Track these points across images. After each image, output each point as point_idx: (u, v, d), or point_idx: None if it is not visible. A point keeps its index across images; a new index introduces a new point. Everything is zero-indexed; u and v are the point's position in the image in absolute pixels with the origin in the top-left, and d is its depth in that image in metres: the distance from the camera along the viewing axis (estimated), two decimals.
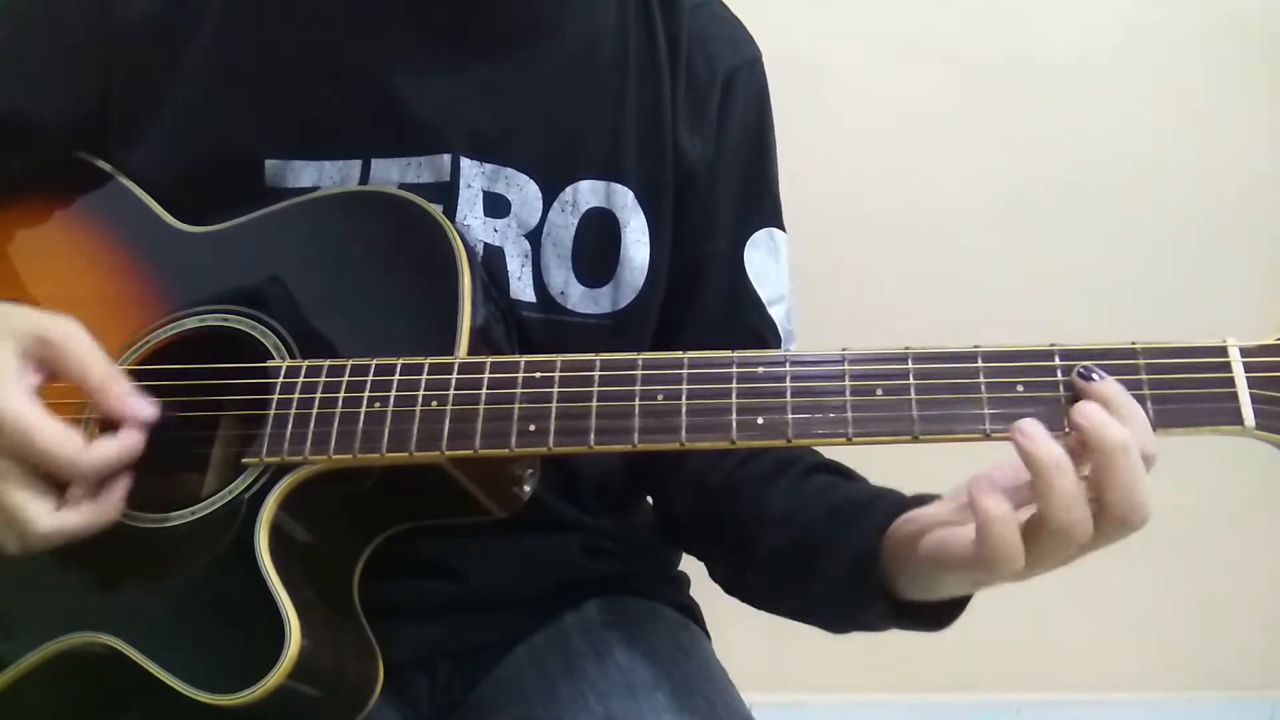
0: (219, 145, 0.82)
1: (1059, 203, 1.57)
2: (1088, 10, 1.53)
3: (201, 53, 0.82)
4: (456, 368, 0.69)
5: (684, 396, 0.66)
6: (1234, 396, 0.61)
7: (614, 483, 0.91)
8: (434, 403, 0.68)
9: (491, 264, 0.83)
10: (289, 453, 0.69)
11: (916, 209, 1.55)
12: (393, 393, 0.69)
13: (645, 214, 0.86)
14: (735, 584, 0.85)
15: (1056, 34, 1.52)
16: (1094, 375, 0.62)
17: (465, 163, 0.82)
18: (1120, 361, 0.62)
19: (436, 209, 0.78)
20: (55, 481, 0.67)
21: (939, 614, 0.70)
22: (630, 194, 0.85)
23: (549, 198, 0.84)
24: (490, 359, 0.70)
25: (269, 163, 0.82)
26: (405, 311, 0.77)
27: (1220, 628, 1.74)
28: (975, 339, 0.65)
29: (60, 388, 0.69)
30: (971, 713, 1.74)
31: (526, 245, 0.84)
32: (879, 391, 0.64)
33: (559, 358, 0.69)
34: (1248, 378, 0.61)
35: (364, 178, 0.82)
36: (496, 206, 0.83)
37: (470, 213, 0.82)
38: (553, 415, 0.67)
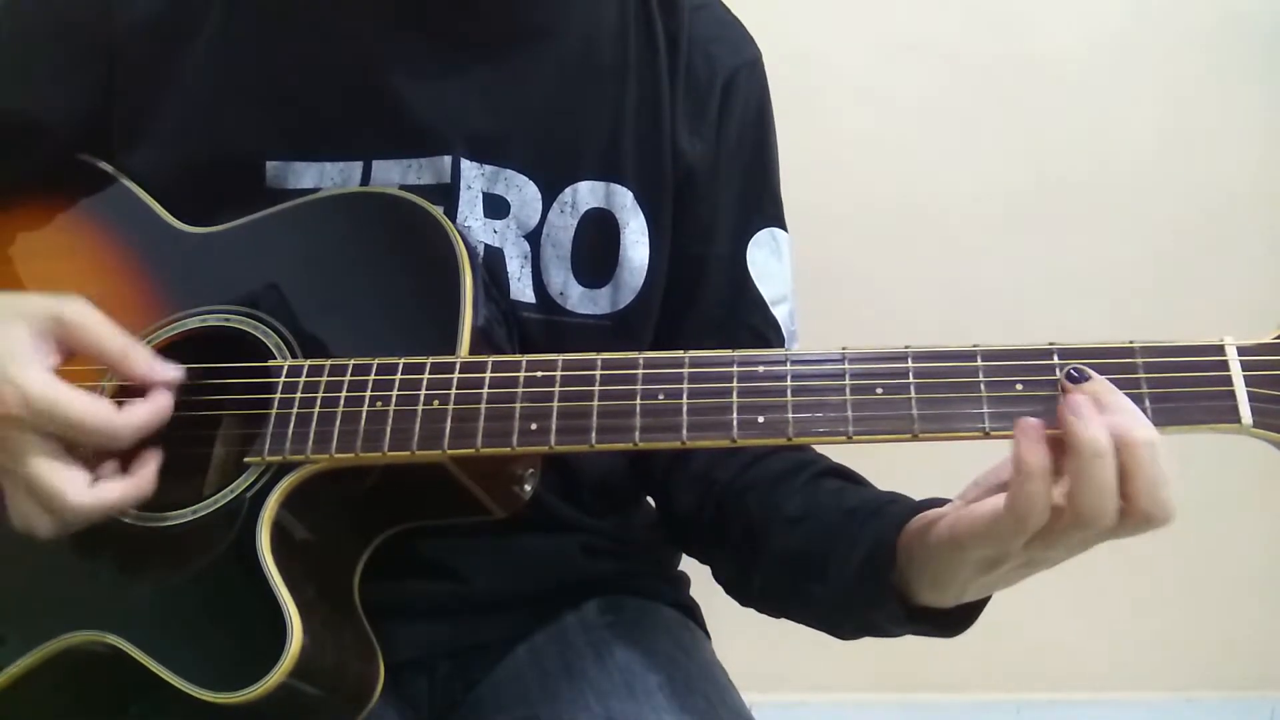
0: (220, 146, 0.82)
1: (1058, 202, 1.57)
2: (1087, 10, 1.53)
3: (203, 54, 0.83)
4: (458, 367, 0.70)
5: (685, 396, 0.66)
6: (1231, 395, 0.61)
7: (614, 483, 0.91)
8: (436, 402, 0.69)
9: (491, 265, 0.83)
10: (291, 452, 0.70)
11: (916, 209, 1.55)
12: (395, 392, 0.69)
13: (644, 215, 0.86)
14: (741, 585, 0.85)
15: (1056, 34, 1.52)
16: (1086, 375, 0.62)
17: (465, 164, 0.83)
18: (1118, 360, 0.62)
19: (438, 209, 0.78)
20: (82, 460, 0.68)
21: (952, 619, 0.69)
22: (629, 195, 0.85)
23: (548, 199, 0.84)
24: (492, 358, 0.70)
25: (270, 164, 0.82)
26: (407, 311, 0.77)
27: (1220, 628, 1.74)
28: (975, 338, 0.65)
29: (71, 369, 0.69)
30: (971, 713, 1.74)
31: (526, 246, 0.84)
32: (879, 390, 0.64)
33: (560, 357, 0.69)
34: (1245, 376, 0.61)
35: (365, 179, 0.82)
36: (496, 207, 0.84)
37: (470, 214, 0.83)
38: (554, 414, 0.67)
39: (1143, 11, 1.53)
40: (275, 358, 0.74)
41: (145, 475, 0.69)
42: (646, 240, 0.86)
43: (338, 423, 0.69)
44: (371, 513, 0.77)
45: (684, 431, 0.65)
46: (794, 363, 0.66)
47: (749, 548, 0.80)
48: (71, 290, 0.80)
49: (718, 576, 0.88)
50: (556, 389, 0.68)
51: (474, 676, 0.86)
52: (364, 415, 0.69)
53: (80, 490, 0.66)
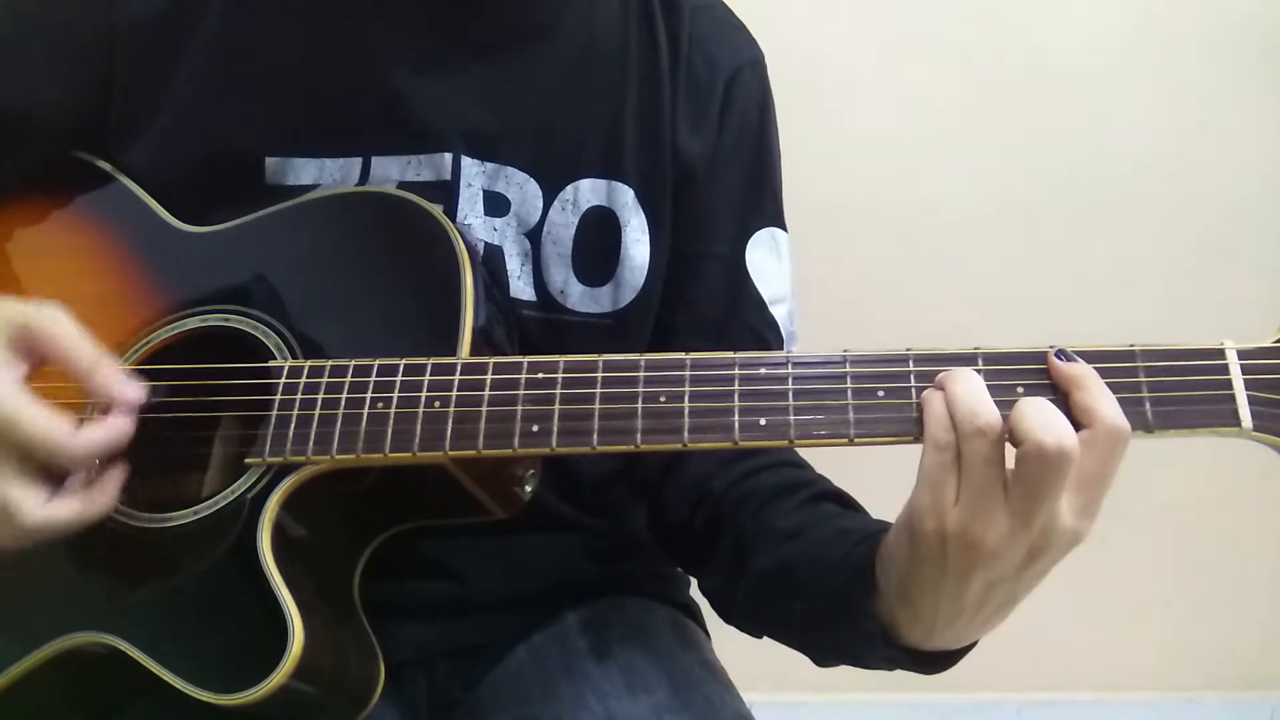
0: (219, 143, 0.82)
1: (1059, 204, 1.57)
2: (1088, 11, 1.53)
3: (202, 50, 0.83)
4: (459, 368, 0.70)
5: (686, 398, 0.66)
6: (1231, 398, 0.61)
7: (615, 484, 0.91)
8: (437, 403, 0.69)
9: (491, 263, 0.83)
10: (291, 453, 0.69)
11: (916, 209, 1.55)
12: (395, 393, 0.69)
13: (645, 213, 0.86)
14: (725, 598, 0.82)
15: (1057, 34, 1.52)
16: (1072, 358, 0.62)
17: (465, 161, 0.83)
18: (1119, 364, 0.62)
19: (437, 208, 0.78)
20: (51, 474, 0.67)
21: (930, 658, 0.68)
22: (631, 193, 0.85)
23: (549, 197, 0.84)
24: (493, 359, 0.70)
25: (269, 160, 0.82)
26: (407, 311, 0.77)
27: (1220, 628, 1.74)
28: (975, 339, 0.65)
29: (61, 379, 0.69)
30: (971, 713, 1.74)
31: (526, 244, 0.84)
32: (880, 393, 0.64)
33: (562, 358, 0.69)
34: (1245, 380, 0.61)
35: (364, 176, 0.82)
36: (496, 205, 0.84)
37: (470, 211, 0.83)
38: (556, 416, 0.67)
39: (1145, 13, 1.53)
40: (275, 358, 0.74)
41: (102, 494, 0.68)
42: (647, 239, 0.86)
43: (338, 424, 0.69)
44: (372, 513, 0.77)
45: (685, 433, 0.65)
46: (795, 365, 0.66)
47: (737, 559, 0.79)
48: (70, 289, 0.80)
49: (703, 588, 0.87)
50: (558, 390, 0.68)
51: (474, 676, 0.86)
52: (365, 416, 0.69)
53: (33, 508, 0.65)
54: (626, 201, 0.85)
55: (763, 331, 0.88)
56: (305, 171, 0.82)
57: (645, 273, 0.85)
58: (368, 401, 0.69)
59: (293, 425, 0.70)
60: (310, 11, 0.83)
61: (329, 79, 0.83)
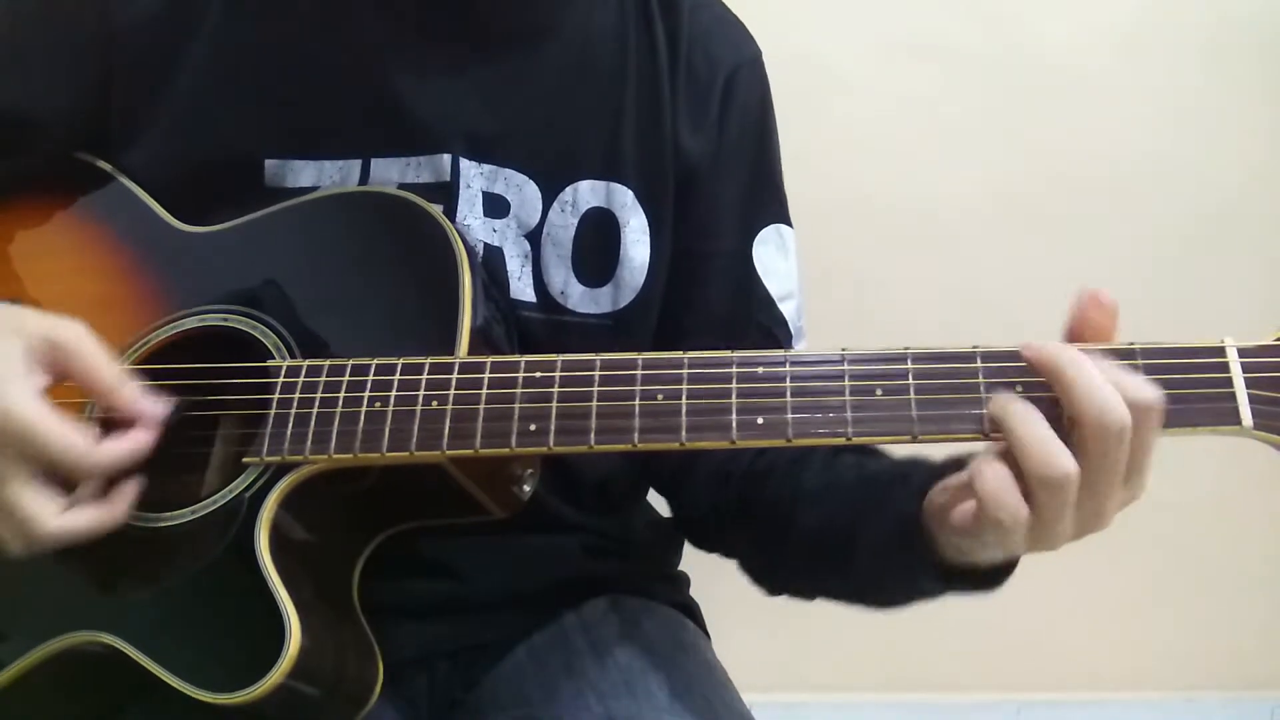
0: (218, 145, 0.82)
1: (1059, 202, 1.57)
2: (1087, 10, 1.53)
3: (201, 52, 0.83)
4: (457, 368, 0.69)
5: (684, 396, 0.66)
6: (1232, 397, 0.61)
7: (614, 483, 0.91)
8: (434, 402, 0.69)
9: (491, 264, 0.83)
10: (289, 452, 0.69)
11: (916, 209, 1.55)
12: (393, 392, 0.69)
13: (645, 213, 0.86)
14: (771, 572, 0.84)
15: (1056, 34, 1.52)
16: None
17: (465, 163, 0.83)
18: (1119, 361, 0.62)
19: (436, 209, 0.78)
20: (63, 482, 0.67)
21: (988, 576, 0.69)
22: (630, 193, 0.85)
23: (549, 198, 0.84)
24: (491, 359, 0.70)
25: (269, 162, 0.82)
26: (405, 311, 0.77)
27: (1220, 628, 1.74)
28: (975, 339, 0.65)
29: (63, 388, 0.69)
30: (971, 713, 1.74)
31: (526, 245, 0.84)
32: (878, 391, 0.64)
33: (559, 357, 0.69)
34: (1245, 378, 0.61)
35: (363, 177, 0.82)
36: (496, 206, 0.84)
37: (470, 213, 0.82)
38: (553, 415, 0.67)
39: (1143, 12, 1.53)
40: (273, 358, 0.74)
41: (118, 505, 0.69)
42: (647, 239, 0.86)
43: (336, 423, 0.69)
44: (370, 513, 0.77)
45: (683, 432, 0.65)
46: (793, 363, 0.66)
47: (775, 531, 0.80)
48: (70, 289, 0.81)
49: (746, 568, 0.87)
50: (555, 389, 0.68)
51: (473, 676, 0.86)
52: (362, 416, 0.69)
53: (49, 518, 0.66)
54: (626, 202, 0.85)
55: (771, 328, 0.88)
56: (304, 173, 0.82)
57: (645, 273, 0.86)
58: (365, 401, 0.69)
59: (290, 425, 0.70)
60: (309, 13, 0.83)
61: (328, 81, 0.83)
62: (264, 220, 0.81)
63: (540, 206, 0.84)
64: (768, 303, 0.88)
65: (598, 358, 0.68)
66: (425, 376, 0.69)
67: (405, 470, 0.70)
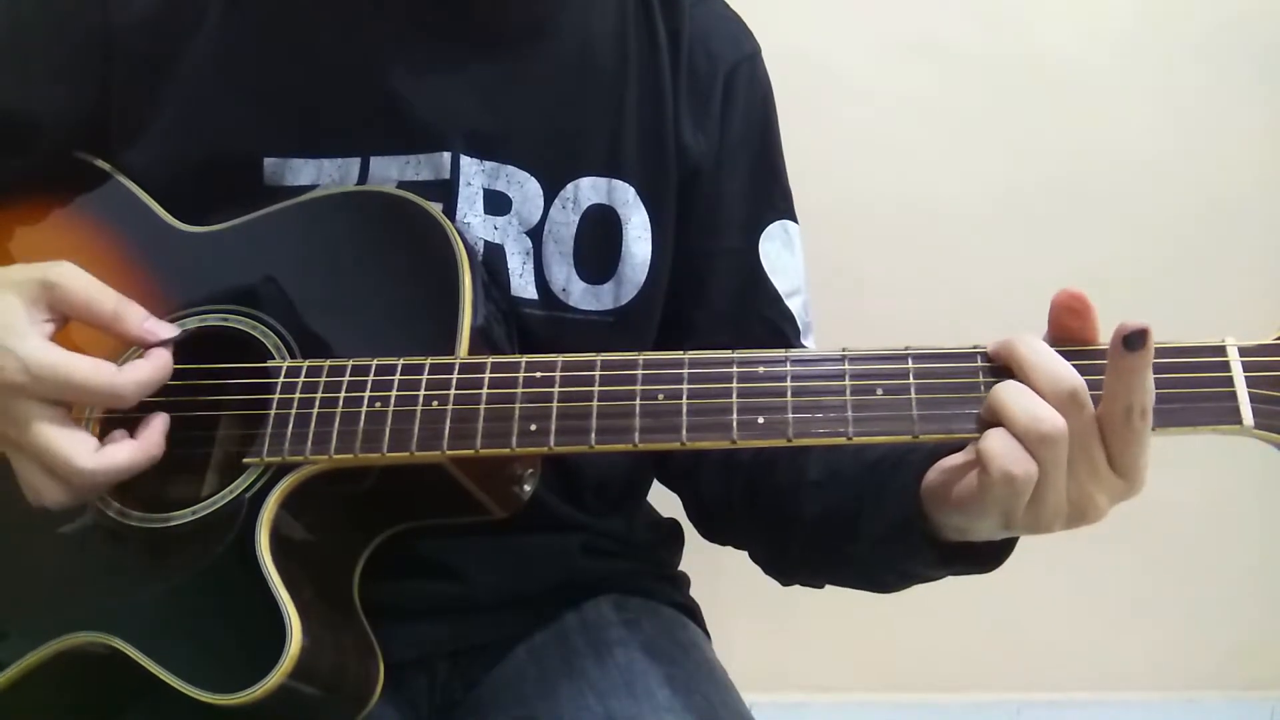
0: (218, 143, 0.82)
1: (1059, 202, 1.57)
2: (1088, 10, 1.53)
3: (201, 51, 0.83)
4: (457, 368, 0.69)
5: (685, 396, 0.66)
6: (1233, 396, 0.61)
7: (615, 483, 0.91)
8: (435, 402, 0.69)
9: (492, 261, 0.83)
10: (290, 453, 0.69)
11: (916, 208, 1.55)
12: (394, 392, 0.69)
13: (647, 210, 0.86)
14: (780, 560, 0.85)
15: (1057, 33, 1.52)
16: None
17: (465, 160, 0.83)
18: None
19: (436, 208, 0.78)
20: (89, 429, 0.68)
21: (987, 555, 0.70)
22: (631, 190, 0.85)
23: (550, 195, 0.84)
24: (491, 359, 0.70)
25: (268, 161, 0.82)
26: (405, 311, 0.77)
27: (1220, 628, 1.74)
28: (974, 337, 0.65)
29: (71, 341, 0.69)
30: (971, 713, 1.74)
31: (528, 242, 0.84)
32: (879, 391, 0.64)
33: (560, 357, 0.69)
34: (1246, 377, 0.61)
35: (363, 176, 0.82)
36: (497, 204, 0.84)
37: (470, 210, 0.82)
38: (554, 415, 0.67)
39: (1143, 13, 1.53)
40: (274, 358, 0.74)
41: (152, 436, 0.69)
42: (649, 236, 0.86)
43: (336, 423, 0.69)
44: (371, 513, 0.77)
45: (684, 432, 0.65)
46: (794, 363, 0.66)
47: (780, 519, 0.81)
48: None
49: (756, 558, 0.88)
50: (556, 389, 0.68)
51: (474, 676, 0.86)
52: (363, 416, 0.69)
53: (88, 454, 0.66)
54: (627, 199, 0.85)
55: (779, 324, 0.89)
56: (304, 172, 0.82)
57: (647, 270, 0.86)
58: (365, 401, 0.69)
59: (290, 425, 0.70)
60: (309, 12, 0.83)
61: (327, 79, 0.83)
62: (263, 220, 0.81)
63: (542, 203, 0.84)
64: (775, 299, 0.89)
65: (598, 358, 0.68)
66: (426, 376, 0.69)
67: (406, 470, 0.70)
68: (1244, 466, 1.54)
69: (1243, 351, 0.62)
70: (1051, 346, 0.63)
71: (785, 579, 0.86)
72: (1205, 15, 1.53)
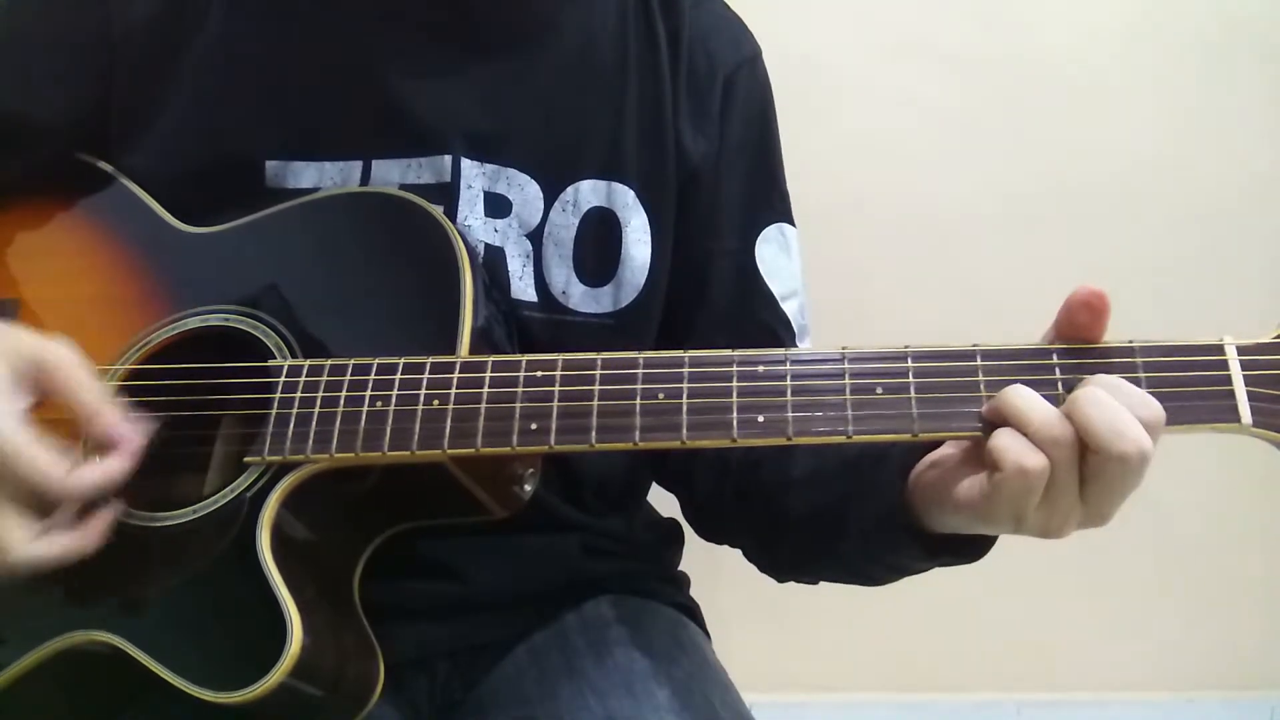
0: (219, 146, 0.82)
1: (1058, 202, 1.57)
2: (1088, 10, 1.53)
3: (202, 54, 0.83)
4: (458, 367, 0.70)
5: (685, 395, 0.66)
6: (1231, 395, 0.61)
7: (615, 483, 0.91)
8: (436, 402, 0.69)
9: (493, 264, 0.83)
10: (291, 452, 0.70)
11: (916, 209, 1.55)
12: (394, 392, 0.69)
13: (647, 213, 0.86)
14: (772, 559, 0.86)
15: (1056, 34, 1.52)
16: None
17: (466, 163, 0.83)
18: (1118, 360, 0.63)
19: (437, 209, 0.78)
20: (42, 508, 0.67)
21: (972, 546, 0.70)
22: (631, 193, 0.85)
23: (550, 197, 0.84)
24: (492, 358, 0.70)
25: (269, 163, 0.82)
26: (406, 312, 0.77)
27: (1220, 628, 1.74)
28: (975, 338, 0.65)
29: (54, 404, 0.69)
30: (971, 713, 1.74)
31: (528, 245, 0.84)
32: (879, 390, 0.64)
33: (560, 356, 0.69)
34: (1245, 375, 0.61)
35: (364, 178, 0.82)
36: (497, 206, 0.84)
37: (471, 213, 0.83)
38: (554, 414, 0.67)
39: (1143, 13, 1.53)
40: (275, 358, 0.74)
41: (92, 531, 0.68)
42: (649, 239, 0.86)
43: (337, 423, 0.69)
44: (371, 513, 0.77)
45: (684, 431, 0.65)
46: (794, 362, 0.66)
47: (769, 518, 0.82)
48: (71, 290, 0.81)
49: (750, 557, 0.88)
50: (556, 389, 0.68)
51: (474, 676, 0.86)
52: (364, 415, 0.69)
53: (22, 543, 0.65)
54: (627, 202, 0.85)
55: (775, 327, 0.89)
56: (305, 174, 0.82)
57: (647, 272, 0.86)
58: (366, 400, 0.69)
59: (292, 424, 0.70)
60: (310, 14, 0.84)
61: (328, 82, 0.83)
62: (265, 221, 0.81)
63: (542, 206, 0.84)
64: (771, 302, 0.89)
65: (599, 356, 0.68)
66: (426, 376, 0.69)
67: (406, 470, 0.70)
68: (1244, 466, 1.54)
69: (1241, 350, 0.62)
70: (1055, 341, 0.64)
71: (779, 576, 0.87)
72: (1205, 15, 1.53)
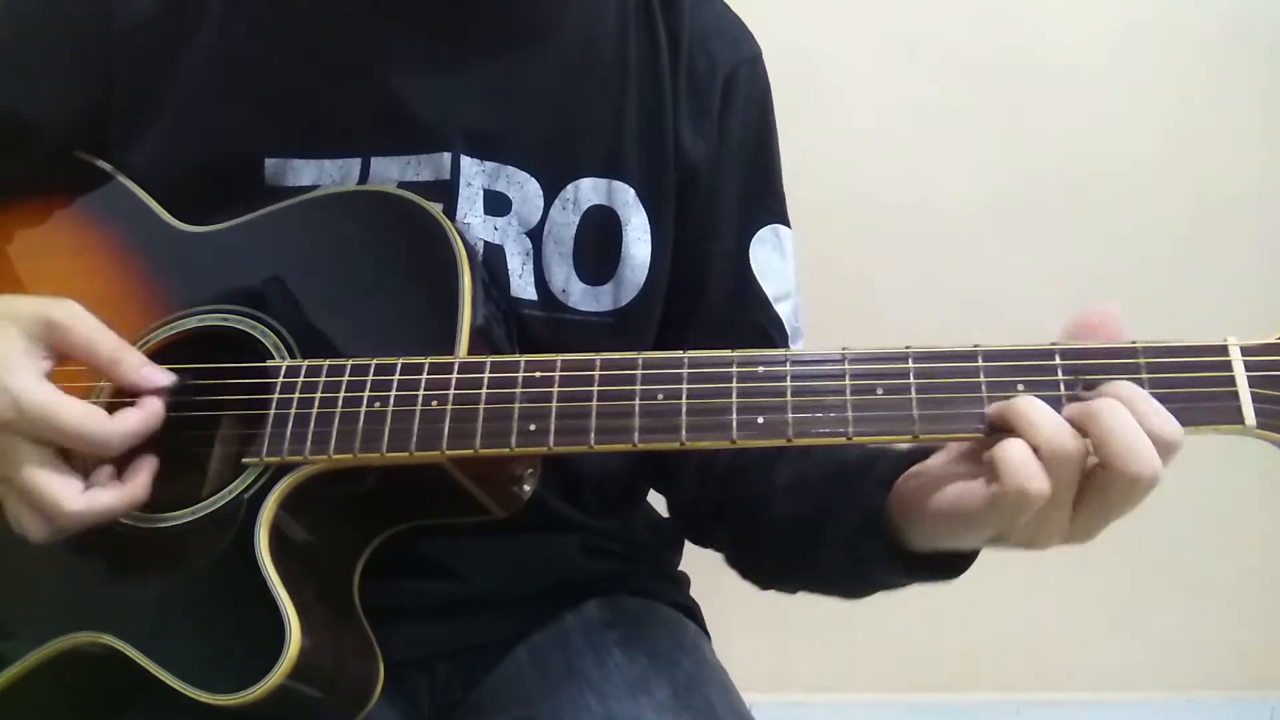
0: (218, 144, 0.82)
1: (1059, 202, 1.57)
2: (1087, 10, 1.53)
3: (202, 52, 0.83)
4: (457, 367, 0.69)
5: (684, 396, 0.66)
6: (1235, 395, 0.61)
7: (614, 483, 0.91)
8: (434, 402, 0.68)
9: (492, 262, 0.83)
10: (289, 453, 0.69)
11: (916, 208, 1.55)
12: (393, 392, 0.69)
13: (647, 212, 0.86)
14: (751, 564, 0.85)
15: (1056, 33, 1.52)
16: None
17: (465, 161, 0.82)
18: (1121, 360, 0.62)
19: (436, 208, 0.78)
20: (78, 467, 0.68)
21: (950, 565, 0.70)
22: (631, 192, 0.85)
23: (550, 195, 0.84)
24: (490, 359, 0.69)
25: (269, 161, 0.82)
26: (405, 311, 0.77)
27: (1220, 628, 1.74)
28: (976, 338, 0.65)
29: (67, 371, 0.69)
30: (971, 713, 1.74)
31: (528, 243, 0.84)
32: (879, 391, 0.64)
33: (559, 357, 0.69)
34: (1248, 376, 0.61)
35: (363, 176, 0.82)
36: (497, 204, 0.84)
37: (470, 211, 0.82)
38: (553, 415, 0.67)
39: (1143, 12, 1.53)
40: (273, 358, 0.74)
41: (139, 482, 0.69)
42: (649, 237, 0.86)
43: (336, 423, 0.69)
44: (370, 513, 0.77)
45: (683, 432, 0.65)
46: (794, 363, 0.66)
47: (751, 525, 0.81)
48: (70, 289, 0.80)
49: (733, 563, 0.87)
50: (555, 389, 0.67)
51: (474, 676, 0.86)
52: (362, 416, 0.69)
53: (73, 497, 0.66)
54: (627, 200, 0.85)
55: (767, 328, 0.88)
56: (304, 172, 0.82)
57: (646, 271, 0.86)
58: (364, 400, 0.69)
59: (290, 425, 0.70)
60: (309, 12, 0.83)
61: (328, 80, 0.83)
62: (264, 220, 0.81)
63: (542, 204, 0.84)
64: (763, 303, 0.88)
65: (597, 357, 0.68)
66: (425, 376, 0.69)
67: (405, 470, 0.70)
68: (1245, 466, 1.54)
69: (1245, 351, 0.62)
70: (1068, 340, 0.63)
71: (762, 584, 0.86)
72: (1205, 15, 1.53)
